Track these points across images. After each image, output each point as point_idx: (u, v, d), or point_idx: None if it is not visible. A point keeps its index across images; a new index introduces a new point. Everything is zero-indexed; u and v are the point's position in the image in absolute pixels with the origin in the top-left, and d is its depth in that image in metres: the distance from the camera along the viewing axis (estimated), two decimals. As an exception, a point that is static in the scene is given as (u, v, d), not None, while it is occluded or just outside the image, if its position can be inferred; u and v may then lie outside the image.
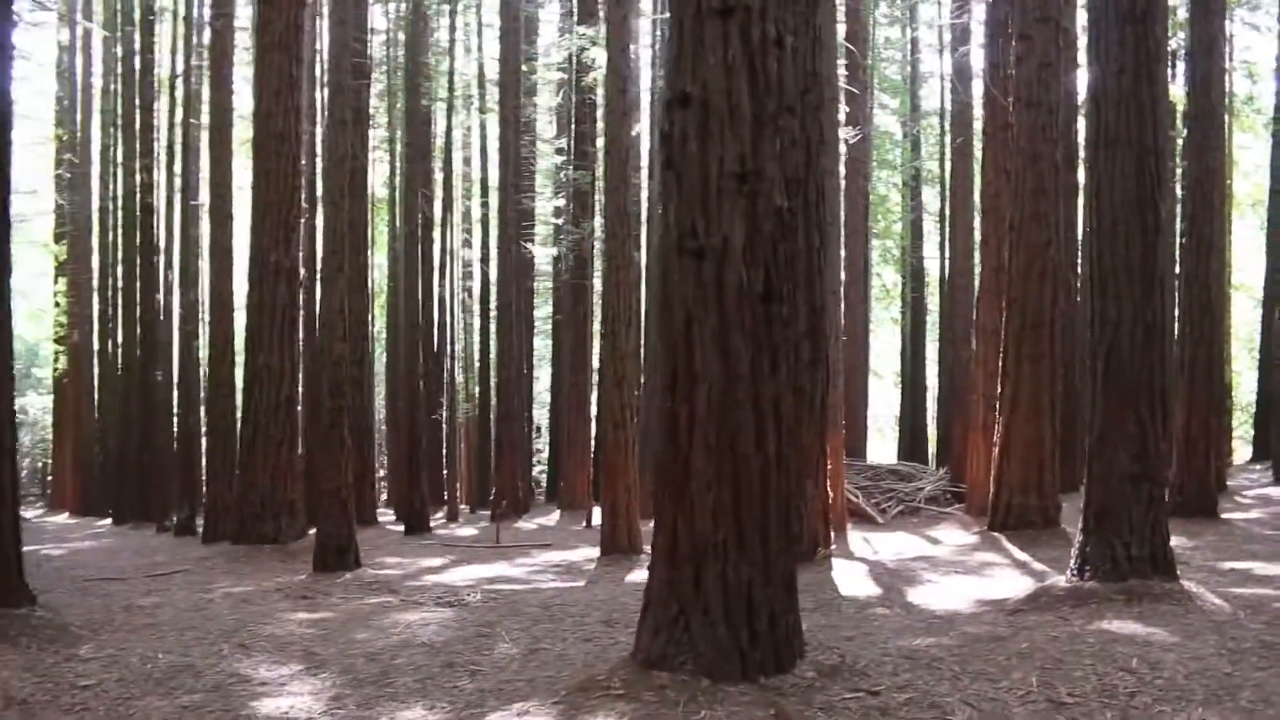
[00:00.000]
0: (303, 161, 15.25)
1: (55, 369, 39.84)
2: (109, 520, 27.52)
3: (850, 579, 9.62)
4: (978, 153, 18.89)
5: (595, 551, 13.20)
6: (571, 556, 14.00)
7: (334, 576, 11.26)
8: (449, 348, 25.80)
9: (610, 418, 12.68)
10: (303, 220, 15.64)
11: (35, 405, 47.71)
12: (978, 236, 16.86)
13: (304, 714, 5.47)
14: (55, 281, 38.20)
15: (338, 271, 11.74)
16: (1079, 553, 7.63)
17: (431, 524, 21.33)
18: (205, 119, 20.25)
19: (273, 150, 14.13)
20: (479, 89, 30.50)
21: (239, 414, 15.49)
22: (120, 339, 27.71)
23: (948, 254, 25.71)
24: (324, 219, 11.95)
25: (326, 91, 21.18)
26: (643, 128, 21.67)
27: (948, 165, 26.04)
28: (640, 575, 11.99)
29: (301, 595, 10.20)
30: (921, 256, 32.11)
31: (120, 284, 27.80)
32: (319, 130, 19.62)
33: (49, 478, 42.96)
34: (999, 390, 12.14)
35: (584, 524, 19.15)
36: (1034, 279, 11.58)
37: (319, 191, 18.01)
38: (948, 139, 26.00)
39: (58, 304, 37.74)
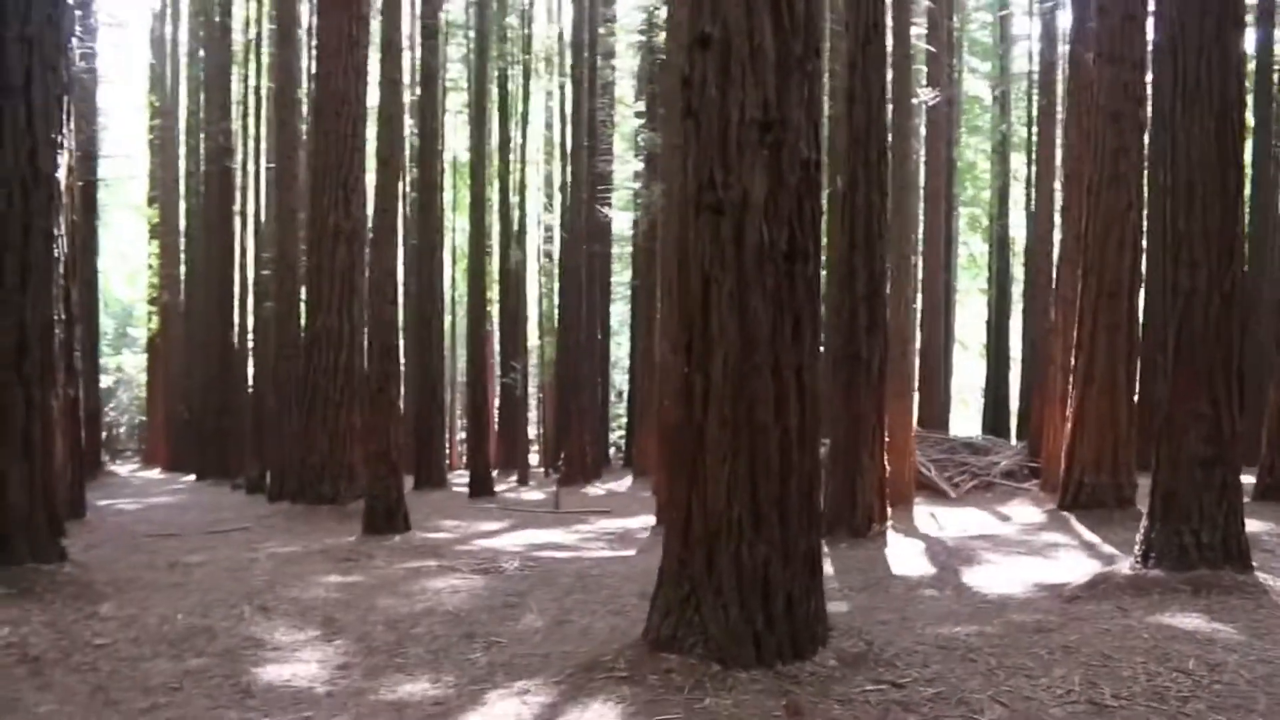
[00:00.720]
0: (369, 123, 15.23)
1: (149, 329, 41.02)
2: (193, 477, 28.25)
3: (904, 557, 9.20)
4: (1061, 115, 18.02)
5: (653, 519, 12.95)
6: (629, 524, 13.79)
7: (382, 539, 11.20)
8: (525, 310, 25.76)
9: (673, 386, 12.34)
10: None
11: (130, 364, 49.24)
12: (1059, 202, 16.08)
13: (304, 683, 5.30)
14: (149, 243, 39.26)
15: (390, 232, 11.58)
16: (1144, 539, 7.11)
17: (501, 487, 21.42)
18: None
19: (331, 111, 14.04)
20: (559, 54, 30.21)
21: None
22: (201, 301, 28.24)
23: (1026, 215, 24.69)
24: (376, 179, 11.77)
25: (418, 52, 21.43)
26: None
27: (1034, 130, 24.95)
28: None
29: (345, 558, 10.14)
30: (1007, 224, 31.03)
31: (201, 246, 28.28)
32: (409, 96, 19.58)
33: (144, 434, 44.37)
34: (1072, 363, 11.51)
35: (653, 490, 18.93)
36: (1112, 245, 10.89)
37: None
38: (1035, 102, 24.90)
39: (150, 266, 38.77)
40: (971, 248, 39.43)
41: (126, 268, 50.80)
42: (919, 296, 20.27)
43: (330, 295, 14.07)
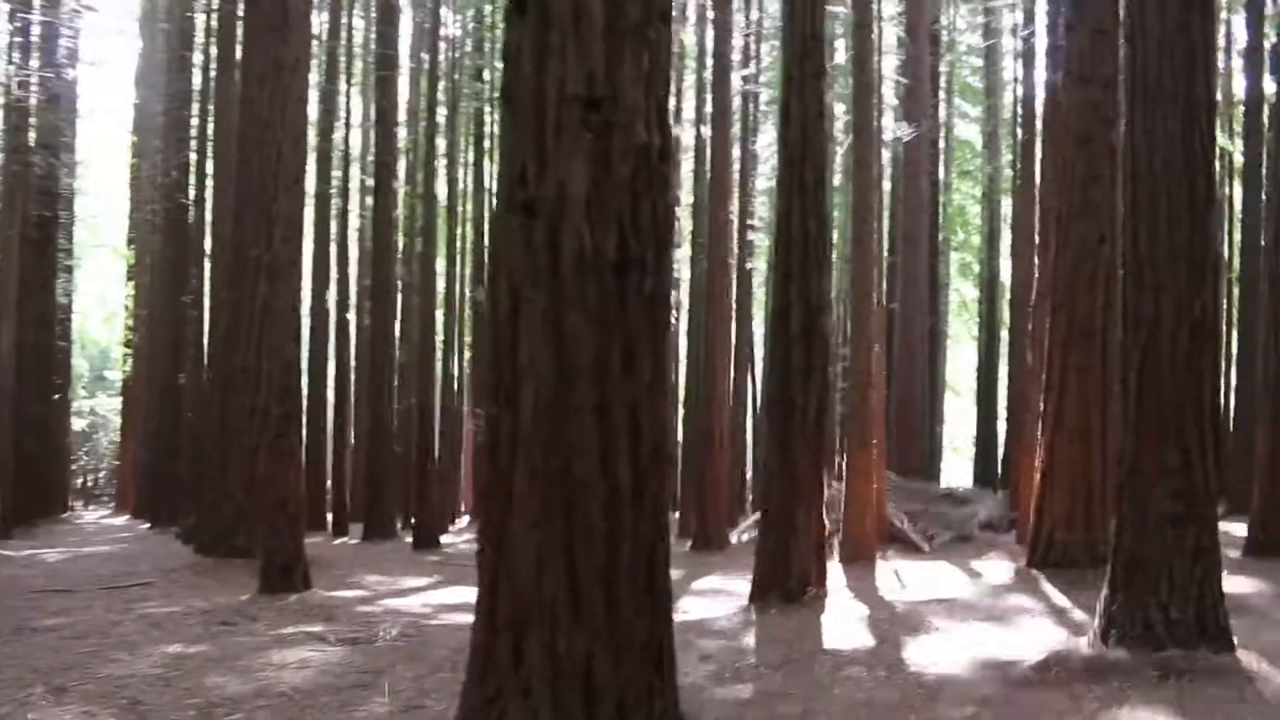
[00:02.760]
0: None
1: (124, 372, 40.08)
2: (147, 524, 27.14)
3: (842, 626, 8.07)
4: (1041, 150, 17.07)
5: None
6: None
7: (275, 599, 10.12)
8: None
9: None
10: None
11: (105, 407, 48.22)
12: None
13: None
14: (126, 284, 38.48)
15: (291, 264, 10.60)
16: (1104, 611, 6.04)
17: (462, 537, 20.34)
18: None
19: (255, 138, 13.12)
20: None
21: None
22: (157, 342, 27.32)
23: (1011, 259, 23.74)
24: (282, 206, 10.82)
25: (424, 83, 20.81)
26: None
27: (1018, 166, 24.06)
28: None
29: (223, 621, 9.06)
30: (997, 267, 30.08)
31: (157, 286, 27.43)
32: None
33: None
34: (1042, 407, 10.45)
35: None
36: (1083, 280, 9.87)
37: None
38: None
39: (126, 307, 37.95)
40: (963, 293, 38.53)
41: (104, 309, 49.97)
42: (894, 341, 19.25)
43: (250, 333, 13.05)
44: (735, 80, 16.50)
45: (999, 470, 26.50)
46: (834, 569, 12.66)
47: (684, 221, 20.74)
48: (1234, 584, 9.60)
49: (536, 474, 3.79)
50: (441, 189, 25.92)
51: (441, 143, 22.46)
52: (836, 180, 18.49)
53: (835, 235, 17.27)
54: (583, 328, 3.78)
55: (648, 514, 3.88)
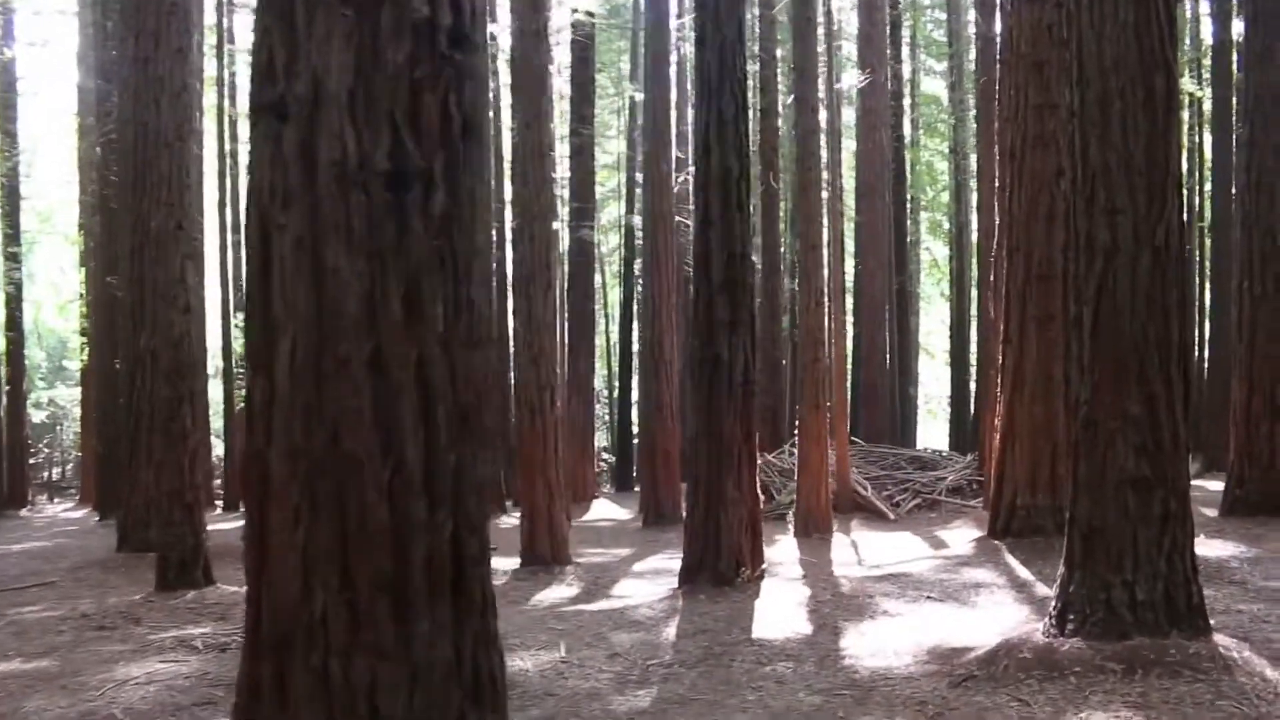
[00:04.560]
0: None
1: (81, 361, 38.95)
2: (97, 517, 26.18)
3: (777, 611, 7.23)
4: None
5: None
6: (496, 564, 11.81)
7: (172, 596, 9.21)
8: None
9: (526, 402, 10.40)
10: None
11: (65, 398, 47.00)
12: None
13: None
14: (79, 270, 37.33)
15: (177, 230, 9.63)
16: (1060, 592, 5.20)
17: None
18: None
19: (150, 99, 12.06)
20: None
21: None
22: (96, 327, 26.25)
23: (976, 213, 22.96)
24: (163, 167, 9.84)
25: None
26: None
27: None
28: (556, 593, 9.75)
29: (99, 625, 8.17)
30: (967, 223, 29.27)
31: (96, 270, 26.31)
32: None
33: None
34: (1000, 360, 9.62)
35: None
36: (1039, 219, 9.03)
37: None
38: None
39: (80, 295, 36.79)
40: (934, 252, 37.74)
41: (59, 297, 48.65)
42: (850, 298, 18.39)
43: (155, 312, 12.05)
44: (673, 22, 15.52)
45: (972, 433, 25.81)
46: (787, 543, 11.86)
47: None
48: (1210, 547, 8.83)
49: (297, 452, 2.90)
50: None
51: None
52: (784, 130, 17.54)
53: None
54: (347, 260, 2.88)
55: (448, 500, 2.99)
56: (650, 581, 9.63)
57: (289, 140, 2.91)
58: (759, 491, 8.15)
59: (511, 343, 16.99)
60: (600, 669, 5.76)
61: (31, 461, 34.65)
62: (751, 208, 8.42)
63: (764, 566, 8.11)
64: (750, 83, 22.84)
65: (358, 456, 2.88)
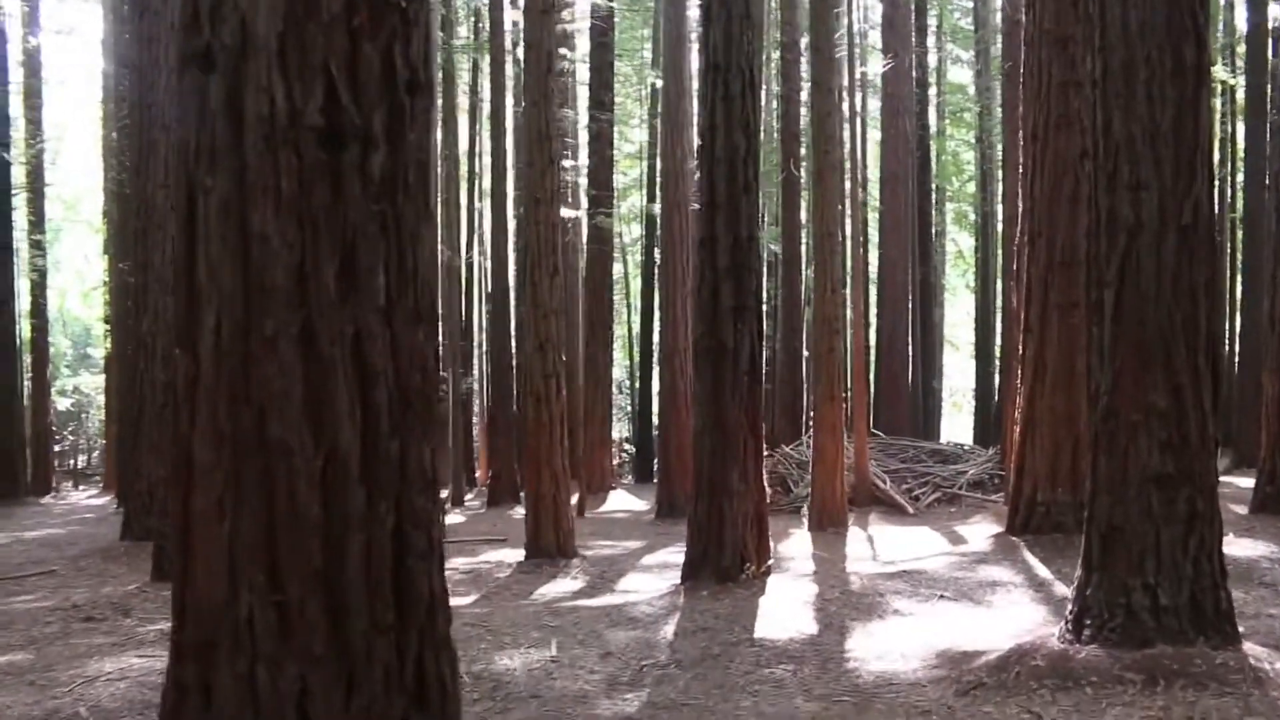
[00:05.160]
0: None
1: (105, 348, 39.15)
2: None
3: (782, 609, 6.93)
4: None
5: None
6: (503, 557, 11.56)
7: (166, 586, 8.98)
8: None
9: (531, 390, 10.14)
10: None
11: (90, 385, 47.21)
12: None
13: None
14: (103, 258, 37.47)
15: (170, 212, 9.41)
16: (1077, 595, 4.87)
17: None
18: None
19: (152, 81, 11.89)
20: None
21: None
22: (115, 314, 26.27)
23: (1001, 203, 22.49)
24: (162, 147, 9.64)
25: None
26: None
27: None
28: (559, 587, 9.49)
29: (87, 617, 8.03)
30: (992, 213, 28.73)
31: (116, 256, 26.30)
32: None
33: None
34: (1020, 350, 9.25)
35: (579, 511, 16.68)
36: (1063, 202, 8.65)
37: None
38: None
39: (105, 283, 36.93)
40: (960, 244, 37.22)
41: (84, 285, 48.89)
42: (873, 288, 18.00)
43: (152, 295, 11.87)
44: (691, 6, 15.15)
45: (996, 426, 25.34)
46: (800, 537, 11.54)
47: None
48: (1239, 546, 8.44)
49: (222, 437, 2.64)
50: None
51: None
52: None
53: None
54: (275, 225, 2.60)
55: (390, 490, 2.71)
56: (657, 576, 9.35)
57: (215, 94, 2.64)
58: (766, 484, 7.84)
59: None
60: (591, 669, 5.49)
61: (57, 449, 34.81)
62: (763, 192, 8.11)
63: (770, 562, 7.81)
64: (771, 70, 22.51)
65: (286, 443, 2.61)
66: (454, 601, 7.87)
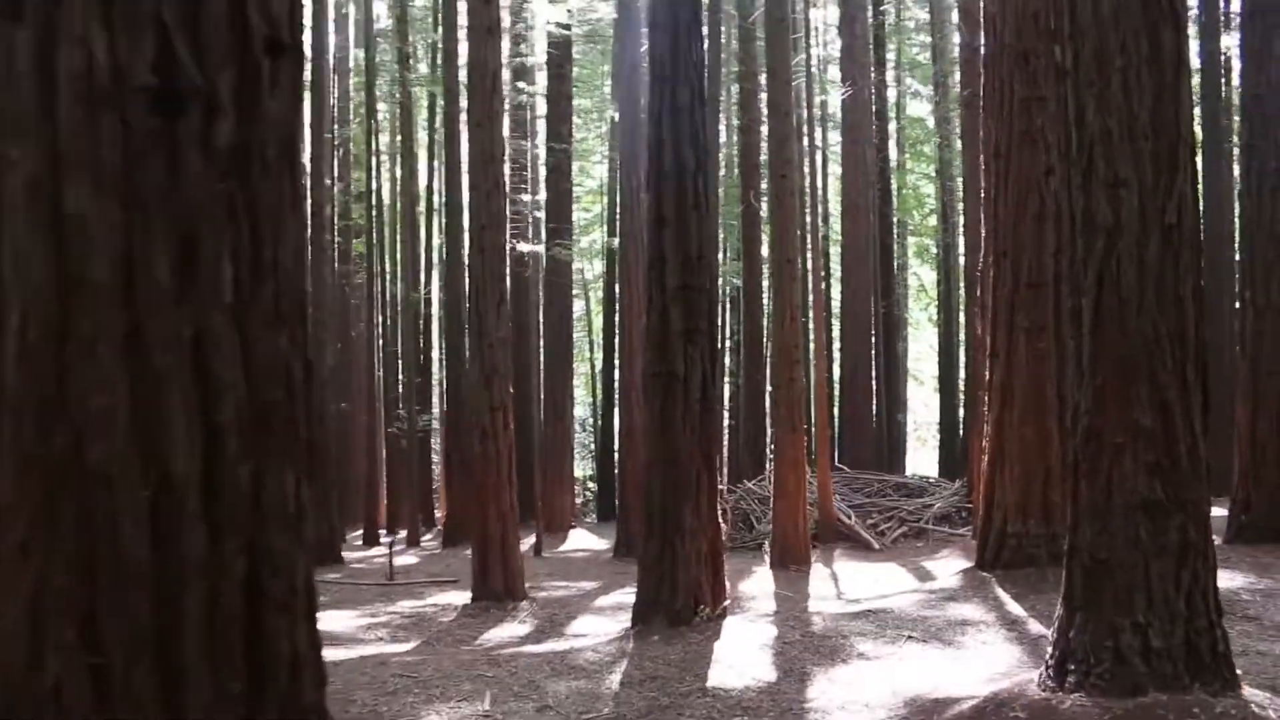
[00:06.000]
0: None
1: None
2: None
3: (738, 655, 6.44)
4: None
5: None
6: (451, 599, 11.00)
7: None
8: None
9: (477, 424, 9.64)
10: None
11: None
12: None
13: None
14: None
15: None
16: (1058, 637, 4.43)
17: (375, 550, 18.83)
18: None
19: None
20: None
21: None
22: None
23: (963, 234, 22.36)
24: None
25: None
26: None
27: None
28: (505, 631, 8.95)
29: None
30: (953, 245, 28.68)
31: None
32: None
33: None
34: (988, 378, 8.88)
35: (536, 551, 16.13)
36: (1028, 221, 8.32)
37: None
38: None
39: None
40: (922, 277, 37.22)
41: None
42: (835, 321, 17.68)
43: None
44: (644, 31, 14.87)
45: (962, 459, 25.05)
46: (762, 575, 11.08)
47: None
48: (1220, 578, 8.10)
49: (28, 464, 2.14)
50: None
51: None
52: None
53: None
54: (95, 206, 2.12)
55: (239, 528, 2.22)
56: (610, 618, 8.85)
57: (22, 49, 2.17)
58: (721, 520, 7.36)
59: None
60: (528, 726, 4.98)
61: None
62: (722, 224, 7.72)
63: (726, 603, 7.31)
64: (731, 101, 22.32)
65: (108, 471, 2.11)
66: (389, 649, 7.34)
